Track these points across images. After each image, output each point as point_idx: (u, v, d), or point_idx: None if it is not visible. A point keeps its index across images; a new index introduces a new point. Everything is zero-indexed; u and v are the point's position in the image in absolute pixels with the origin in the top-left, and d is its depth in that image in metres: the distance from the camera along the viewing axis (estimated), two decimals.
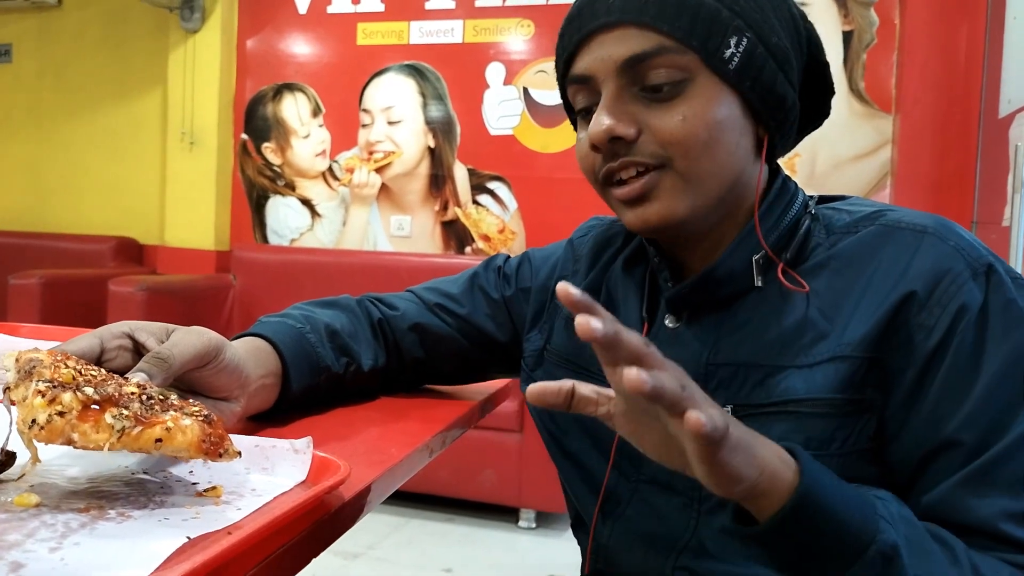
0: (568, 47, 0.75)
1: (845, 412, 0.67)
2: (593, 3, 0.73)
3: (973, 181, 2.77)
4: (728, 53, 0.70)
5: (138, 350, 0.69)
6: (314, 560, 0.55)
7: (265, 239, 3.92)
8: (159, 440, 0.53)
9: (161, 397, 0.57)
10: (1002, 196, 2.36)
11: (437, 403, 0.94)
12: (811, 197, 0.79)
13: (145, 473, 0.60)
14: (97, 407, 0.52)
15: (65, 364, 0.56)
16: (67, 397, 0.51)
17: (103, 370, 0.60)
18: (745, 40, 0.71)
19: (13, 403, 0.54)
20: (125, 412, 0.52)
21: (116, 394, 0.54)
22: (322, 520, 0.55)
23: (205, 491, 0.56)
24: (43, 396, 0.51)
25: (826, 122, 0.84)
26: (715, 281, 0.74)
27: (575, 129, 0.82)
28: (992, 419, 0.63)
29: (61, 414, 0.50)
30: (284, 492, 0.57)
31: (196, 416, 0.55)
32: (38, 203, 4.30)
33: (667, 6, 0.70)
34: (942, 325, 0.65)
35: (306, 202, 3.86)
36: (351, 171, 3.76)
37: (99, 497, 0.54)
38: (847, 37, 3.11)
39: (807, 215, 0.76)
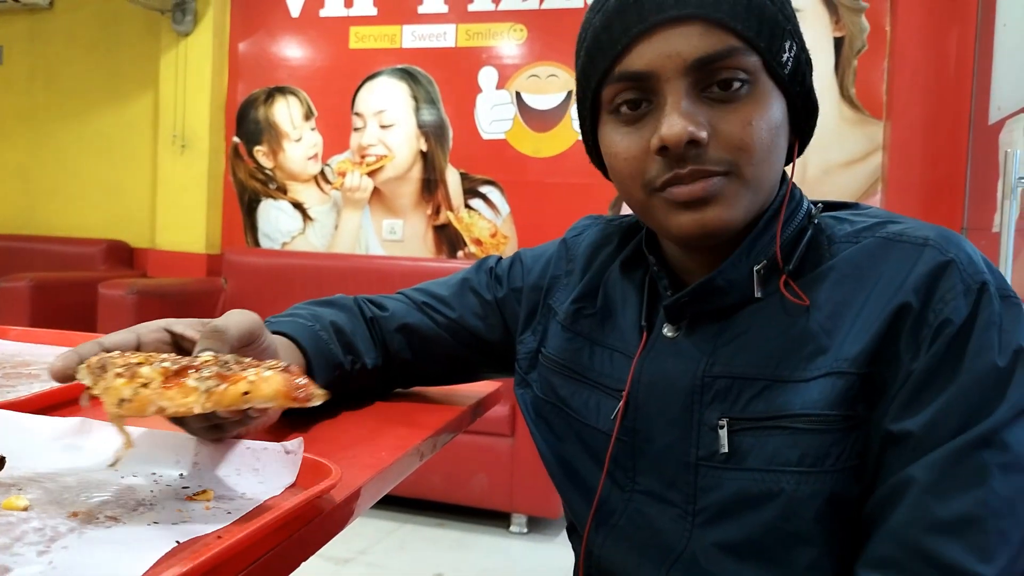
0: (622, 39, 0.70)
1: (839, 428, 0.67)
2: None
3: (963, 187, 2.79)
4: (785, 57, 0.70)
5: (176, 343, 0.68)
6: (305, 565, 0.55)
7: (257, 242, 3.92)
8: (246, 393, 0.54)
9: (235, 361, 0.58)
10: (992, 202, 2.38)
11: (428, 407, 0.94)
12: (816, 204, 0.78)
13: (134, 476, 0.60)
14: (177, 377, 0.54)
15: (133, 354, 0.58)
16: (146, 370, 0.54)
17: (169, 355, 0.61)
18: (794, 46, 0.72)
19: (96, 401, 0.55)
20: (207, 373, 0.55)
21: (192, 364, 0.56)
22: (312, 523, 0.55)
23: (195, 495, 0.56)
24: (123, 377, 0.53)
25: (817, 128, 0.83)
26: (715, 290, 0.73)
27: (581, 125, 0.79)
28: (947, 427, 0.63)
29: (145, 386, 0.53)
30: (274, 496, 0.57)
31: (275, 368, 0.57)
32: (28, 206, 4.28)
33: (738, 4, 0.68)
34: (927, 342, 0.65)
35: (298, 205, 3.85)
36: (343, 175, 3.76)
37: (88, 501, 0.53)
38: (838, 43, 3.12)
39: (811, 224, 0.75)
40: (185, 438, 0.64)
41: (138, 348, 0.65)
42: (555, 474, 0.86)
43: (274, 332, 0.83)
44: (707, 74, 0.68)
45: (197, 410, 0.53)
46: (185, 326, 0.69)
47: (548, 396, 0.87)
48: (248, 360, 0.59)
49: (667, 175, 0.69)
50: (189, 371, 0.55)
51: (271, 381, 0.56)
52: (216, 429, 0.64)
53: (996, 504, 0.61)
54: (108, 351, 0.61)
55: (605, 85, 0.73)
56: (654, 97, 0.70)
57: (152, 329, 0.67)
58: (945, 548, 0.60)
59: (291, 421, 0.82)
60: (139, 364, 0.55)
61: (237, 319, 0.68)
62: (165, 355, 0.59)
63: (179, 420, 0.63)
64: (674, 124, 0.67)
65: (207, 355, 0.60)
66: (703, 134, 0.68)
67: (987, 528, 0.61)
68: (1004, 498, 0.61)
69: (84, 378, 0.56)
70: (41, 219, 4.25)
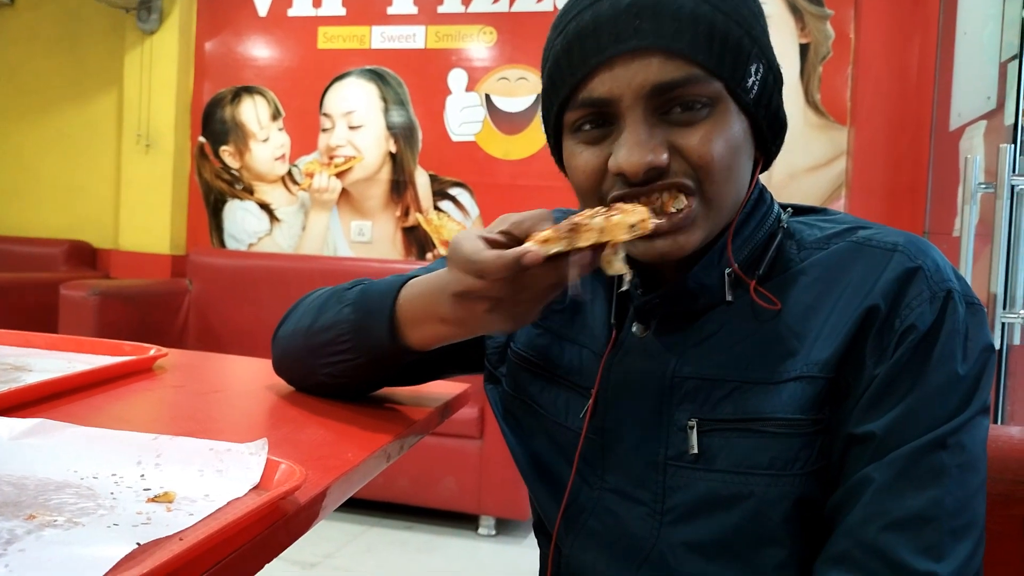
0: (581, 67, 0.70)
1: (808, 432, 0.68)
2: (615, 23, 0.68)
3: (925, 192, 2.83)
4: (750, 82, 0.70)
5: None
6: (271, 569, 0.54)
7: (222, 243, 3.87)
8: (632, 225, 0.66)
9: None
10: (952, 207, 2.42)
11: (395, 408, 0.93)
12: (786, 208, 0.79)
13: (95, 478, 0.59)
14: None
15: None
16: (630, 206, 0.67)
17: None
18: (761, 68, 0.71)
19: (576, 249, 0.65)
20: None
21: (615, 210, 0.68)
22: (276, 525, 0.55)
23: (157, 497, 0.55)
24: (616, 213, 0.65)
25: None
26: (686, 293, 0.74)
27: (550, 140, 0.80)
28: (908, 430, 0.64)
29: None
30: (238, 497, 0.56)
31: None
32: None
33: (698, 34, 0.68)
34: (891, 347, 0.66)
35: (265, 206, 3.82)
36: (311, 176, 3.73)
37: (47, 502, 0.52)
38: (804, 49, 3.16)
39: (780, 229, 0.76)
40: (147, 438, 0.63)
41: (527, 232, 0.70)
42: (525, 471, 0.86)
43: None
44: (666, 100, 0.69)
45: (651, 227, 0.66)
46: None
47: (517, 393, 0.87)
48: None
49: (622, 191, 0.70)
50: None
51: None
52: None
53: (951, 504, 0.63)
54: (517, 232, 0.70)
55: (567, 110, 0.74)
56: (614, 120, 0.71)
57: (538, 218, 0.71)
58: (899, 546, 0.62)
59: (255, 422, 0.81)
60: (606, 215, 0.65)
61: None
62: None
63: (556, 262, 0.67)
64: (632, 155, 0.68)
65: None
66: (663, 158, 0.68)
67: (941, 527, 0.62)
68: (959, 498, 0.63)
69: (556, 246, 0.64)
70: (1, 219, 4.16)
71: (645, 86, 0.68)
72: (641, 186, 0.69)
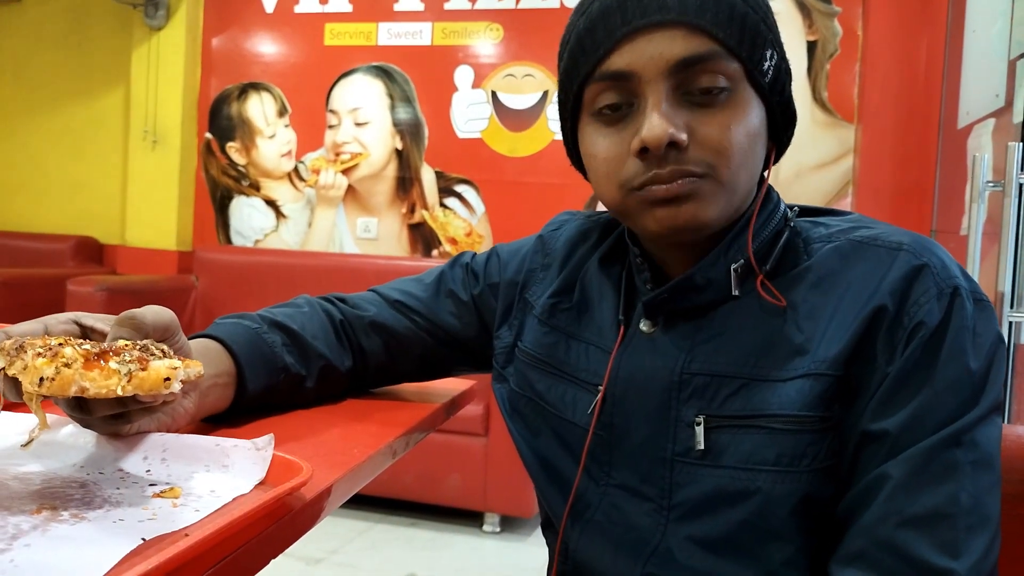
0: (605, 42, 0.71)
1: (816, 429, 0.68)
2: None
3: (932, 191, 2.82)
4: (766, 66, 0.71)
5: (85, 336, 0.67)
6: (276, 565, 0.54)
7: (229, 240, 3.88)
8: (168, 379, 0.56)
9: (154, 346, 0.59)
10: (960, 205, 2.41)
11: (401, 405, 0.93)
12: (792, 208, 0.80)
13: (101, 473, 0.59)
14: (99, 359, 0.54)
15: (53, 337, 0.57)
16: (68, 351, 0.53)
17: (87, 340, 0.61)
18: (775, 55, 0.73)
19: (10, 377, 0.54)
20: (128, 357, 0.55)
21: (112, 348, 0.56)
22: (281, 522, 0.55)
23: (162, 492, 0.55)
24: (44, 356, 0.53)
25: None
26: (693, 288, 0.74)
27: (562, 127, 0.80)
28: (922, 428, 0.64)
29: (67, 366, 0.52)
30: (243, 493, 0.56)
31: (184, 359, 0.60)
32: None
33: (720, 12, 0.69)
34: (901, 345, 0.66)
35: (271, 203, 3.82)
36: (317, 172, 3.73)
37: (52, 498, 0.53)
38: (811, 47, 3.15)
39: (787, 226, 0.76)
40: (153, 434, 0.63)
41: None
42: (532, 469, 0.86)
43: (206, 336, 0.82)
44: (688, 77, 0.69)
45: (119, 393, 0.53)
46: (95, 319, 0.68)
47: (524, 390, 0.87)
48: (165, 348, 0.60)
49: (646, 175, 0.70)
50: (110, 354, 0.55)
51: (192, 366, 0.58)
52: (119, 420, 0.63)
53: (966, 500, 0.62)
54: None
55: (587, 85, 0.73)
56: (635, 99, 0.71)
57: (61, 320, 0.67)
58: (915, 543, 0.62)
59: (261, 418, 0.81)
60: (60, 345, 0.54)
61: (154, 310, 0.67)
62: (82, 340, 0.59)
63: (80, 408, 0.61)
64: (655, 126, 0.68)
65: (123, 342, 0.60)
66: (683, 136, 0.68)
67: (956, 524, 0.62)
68: (973, 495, 0.63)
69: None
70: (9, 215, 4.18)
71: (669, 61, 0.68)
72: (661, 168, 0.69)
